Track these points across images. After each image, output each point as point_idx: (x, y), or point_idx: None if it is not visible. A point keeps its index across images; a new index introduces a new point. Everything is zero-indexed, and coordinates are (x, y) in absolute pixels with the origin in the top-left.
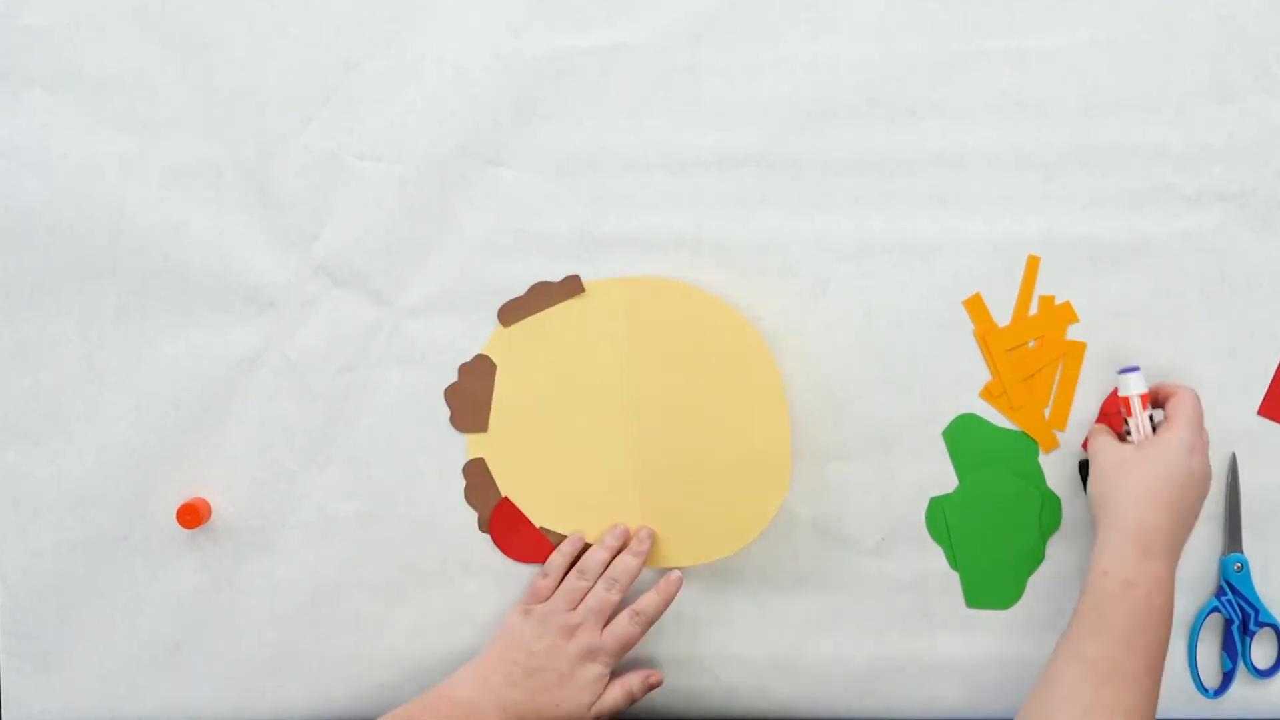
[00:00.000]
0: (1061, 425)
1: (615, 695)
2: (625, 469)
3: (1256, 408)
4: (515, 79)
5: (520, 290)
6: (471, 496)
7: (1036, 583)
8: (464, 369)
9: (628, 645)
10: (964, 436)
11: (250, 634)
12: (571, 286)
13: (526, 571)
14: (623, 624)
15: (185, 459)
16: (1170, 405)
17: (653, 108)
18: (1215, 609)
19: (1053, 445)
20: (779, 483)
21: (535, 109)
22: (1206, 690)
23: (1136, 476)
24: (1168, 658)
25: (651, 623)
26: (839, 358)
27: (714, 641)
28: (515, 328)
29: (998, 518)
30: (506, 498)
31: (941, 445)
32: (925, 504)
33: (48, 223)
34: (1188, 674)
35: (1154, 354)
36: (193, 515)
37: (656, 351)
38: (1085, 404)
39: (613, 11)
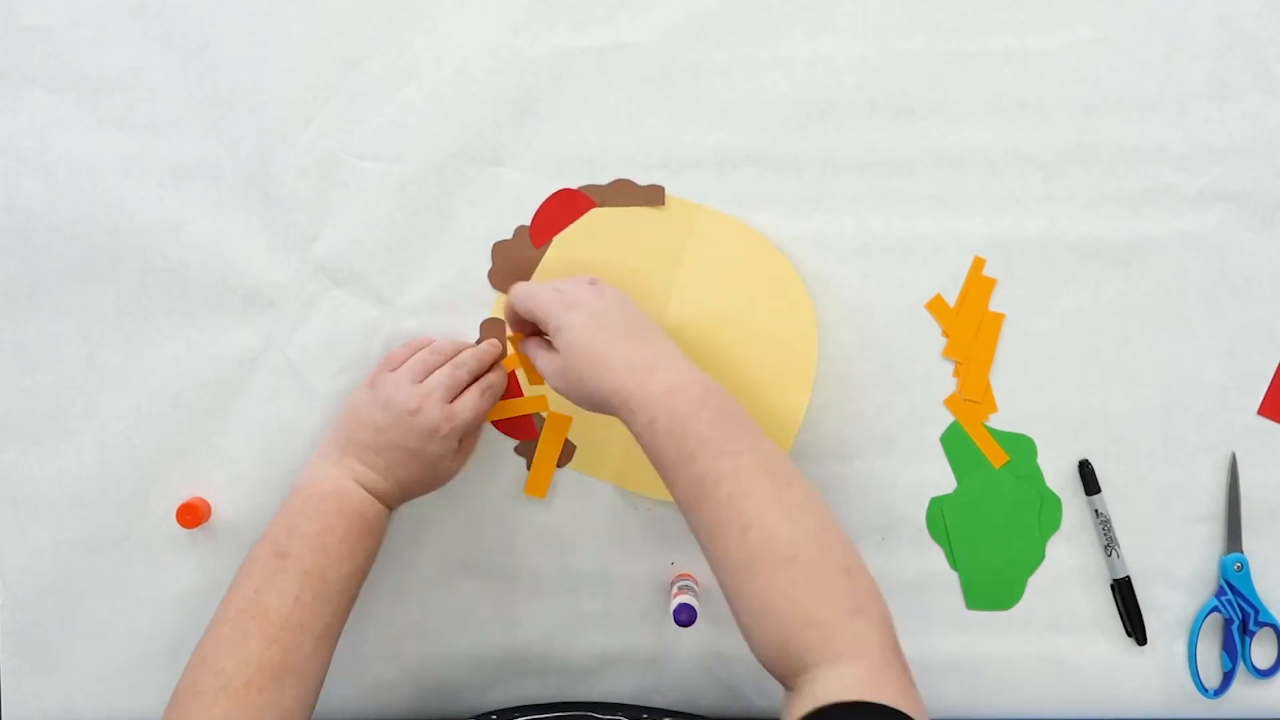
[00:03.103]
0: (976, 394)
1: (467, 444)
2: None
3: (1256, 408)
4: (515, 79)
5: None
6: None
7: (1036, 583)
8: (520, 231)
9: (478, 418)
10: (963, 439)
11: None
12: (653, 195)
13: (526, 569)
14: (472, 397)
15: (185, 459)
16: (525, 314)
17: (653, 108)
18: (1215, 609)
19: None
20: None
21: (535, 109)
22: (1206, 690)
23: (577, 367)
24: (1168, 657)
25: (499, 396)
26: (839, 357)
27: (714, 641)
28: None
29: (997, 518)
30: (513, 371)
31: (941, 445)
32: (925, 504)
33: (48, 223)
34: (1188, 674)
35: (1154, 354)
36: (193, 515)
37: (706, 286)
38: (1007, 376)
39: (613, 11)
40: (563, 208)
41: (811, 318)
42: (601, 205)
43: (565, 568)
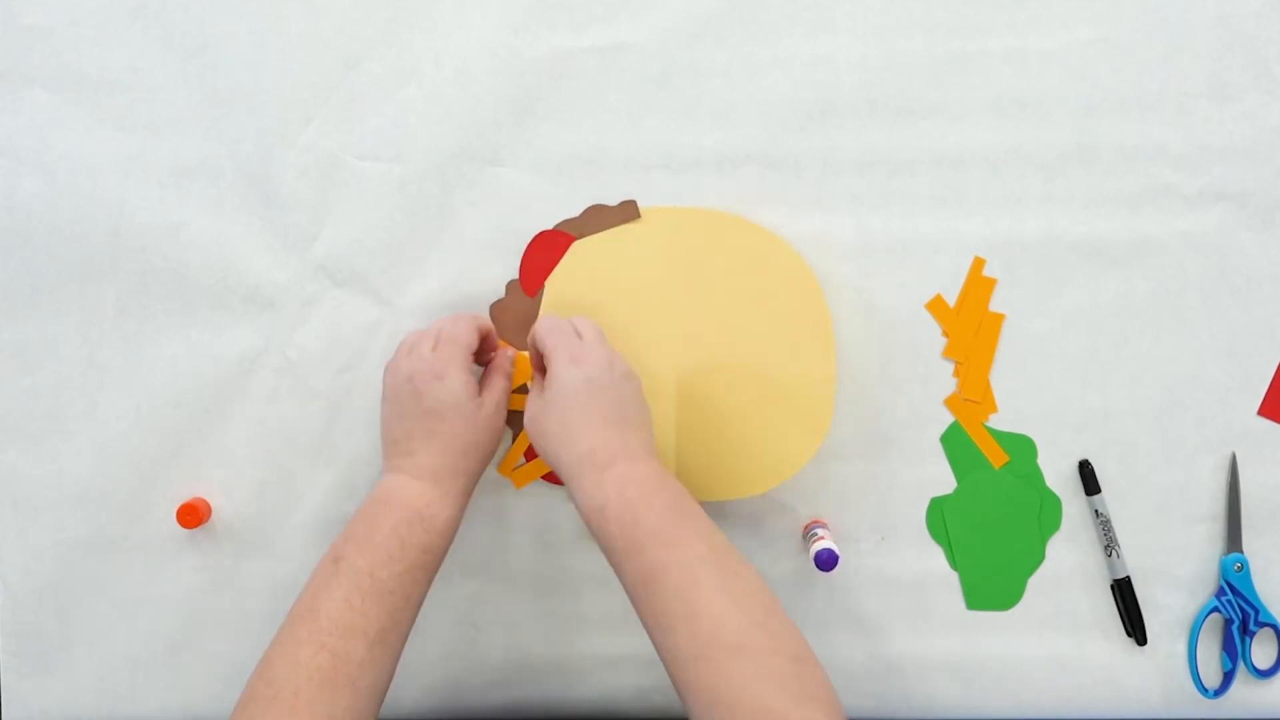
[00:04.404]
0: (976, 394)
1: (495, 390)
2: (666, 397)
3: (1256, 408)
4: (515, 79)
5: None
6: (510, 418)
7: (1036, 583)
8: (511, 286)
9: (459, 343)
10: (963, 439)
11: (250, 634)
12: (628, 211)
13: (526, 569)
14: (445, 331)
15: (185, 459)
16: (537, 341)
17: (653, 108)
18: (1215, 609)
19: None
20: (820, 422)
21: (535, 109)
22: (1206, 690)
23: (549, 424)
24: (1168, 657)
25: (474, 323)
26: (839, 357)
27: None
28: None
29: (997, 518)
30: None
31: (941, 445)
32: (925, 504)
33: (48, 223)
34: (1188, 674)
35: (1154, 354)
36: (193, 515)
37: (707, 281)
38: (1007, 376)
39: (612, 11)
40: (545, 250)
41: (811, 277)
42: (580, 236)
43: (565, 568)
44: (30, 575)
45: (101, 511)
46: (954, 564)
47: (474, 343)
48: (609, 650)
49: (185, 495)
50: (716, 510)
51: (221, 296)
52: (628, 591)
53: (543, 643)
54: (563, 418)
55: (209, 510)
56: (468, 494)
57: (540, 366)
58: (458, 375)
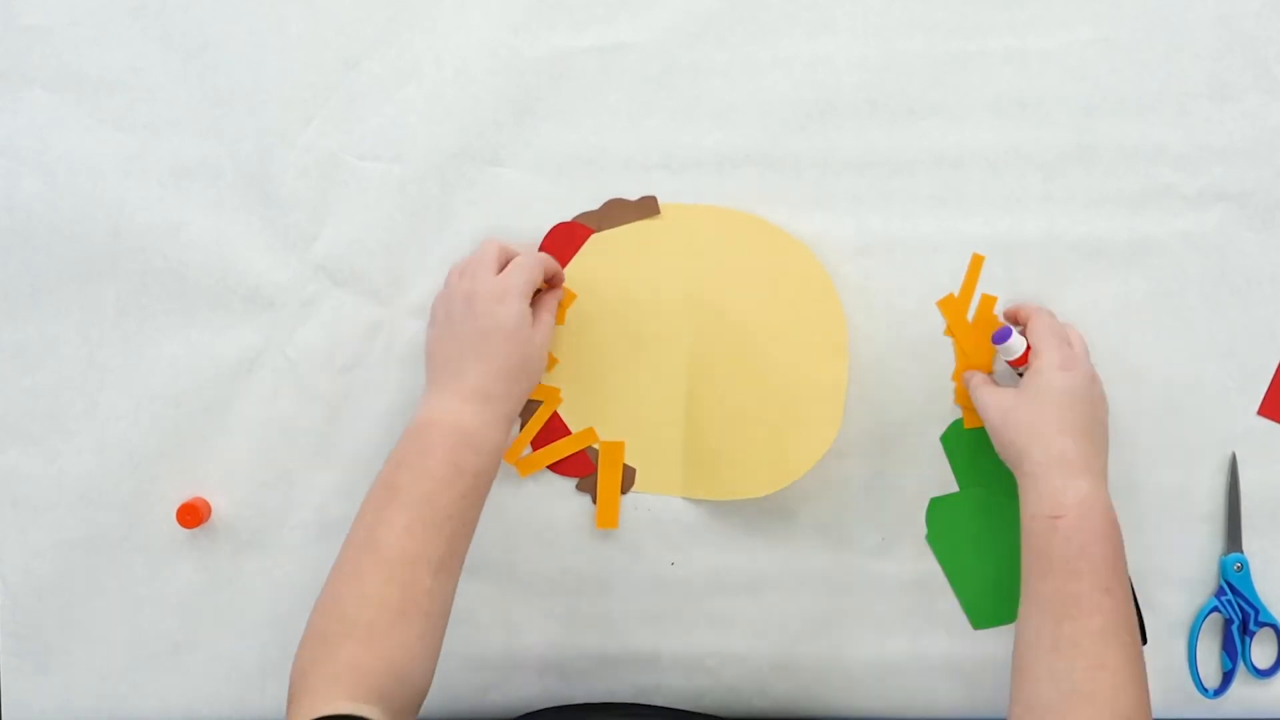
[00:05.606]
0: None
1: (544, 323)
2: (676, 394)
3: (1256, 408)
4: (515, 79)
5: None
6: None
7: None
8: None
9: (530, 272)
10: (963, 439)
11: (250, 634)
12: (647, 206)
13: (526, 569)
14: (517, 260)
15: (185, 459)
16: (1029, 333)
17: (653, 108)
18: (1215, 609)
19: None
20: (828, 428)
21: (535, 109)
22: (1206, 690)
23: (1024, 416)
24: (1168, 657)
25: (545, 260)
26: None
27: (714, 641)
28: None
29: (997, 518)
30: (555, 412)
31: (941, 445)
32: (925, 504)
33: (48, 223)
34: (1188, 674)
35: (1154, 354)
36: (193, 515)
37: (723, 280)
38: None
39: (612, 11)
40: (563, 242)
41: (827, 280)
42: (599, 230)
43: (565, 568)
44: (30, 575)
45: (101, 511)
46: (952, 584)
47: (538, 280)
48: (609, 650)
49: (185, 495)
50: (717, 510)
51: (221, 296)
52: (1029, 602)
53: (543, 643)
54: (1041, 415)
55: (209, 510)
56: (512, 420)
57: (1017, 360)
58: (518, 302)
